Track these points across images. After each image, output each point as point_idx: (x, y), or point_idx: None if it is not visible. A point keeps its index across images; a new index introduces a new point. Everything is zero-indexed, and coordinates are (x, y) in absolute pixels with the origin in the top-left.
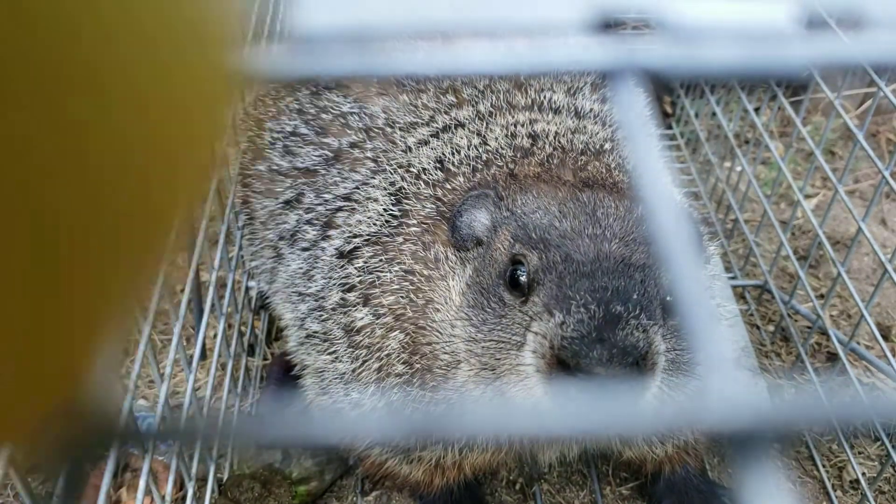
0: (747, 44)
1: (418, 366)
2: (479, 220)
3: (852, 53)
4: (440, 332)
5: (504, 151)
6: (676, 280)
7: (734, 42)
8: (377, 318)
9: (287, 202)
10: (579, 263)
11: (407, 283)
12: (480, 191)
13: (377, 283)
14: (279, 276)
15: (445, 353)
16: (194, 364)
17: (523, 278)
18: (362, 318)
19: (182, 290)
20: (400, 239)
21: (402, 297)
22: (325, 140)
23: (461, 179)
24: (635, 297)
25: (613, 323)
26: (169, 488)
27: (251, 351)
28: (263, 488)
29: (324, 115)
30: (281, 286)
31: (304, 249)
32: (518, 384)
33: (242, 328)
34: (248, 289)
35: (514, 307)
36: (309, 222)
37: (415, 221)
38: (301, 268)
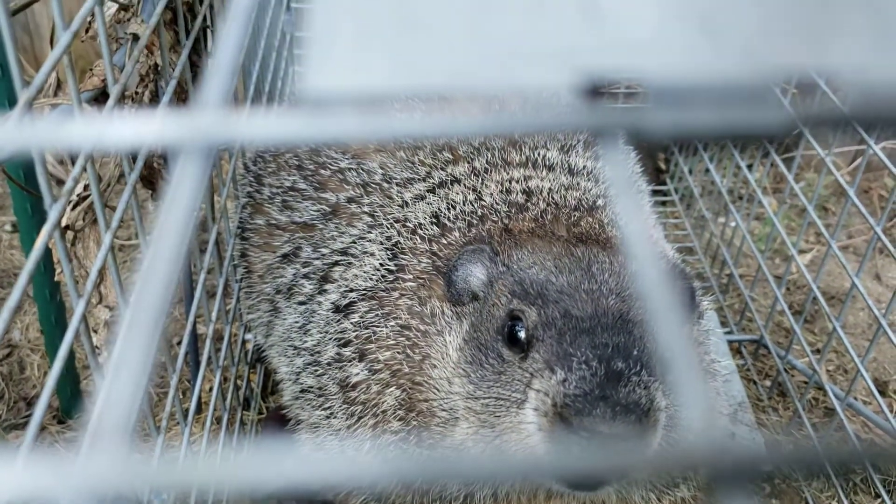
0: (731, 104)
1: (415, 423)
2: (474, 274)
3: (835, 112)
4: (437, 389)
5: (499, 207)
6: (661, 335)
7: (719, 102)
8: (373, 374)
9: (284, 256)
10: (578, 319)
11: (403, 339)
12: (476, 246)
13: (373, 338)
14: (275, 329)
15: (443, 409)
16: (190, 417)
17: (522, 334)
18: (358, 374)
19: (179, 343)
20: (396, 294)
21: (398, 352)
22: (324, 195)
23: (457, 234)
24: (635, 353)
25: (615, 380)
26: None
27: (247, 404)
28: None
29: (322, 171)
30: (277, 340)
31: (301, 303)
32: (520, 442)
33: (238, 381)
34: (244, 342)
35: (513, 363)
36: (306, 276)
37: (411, 276)
38: (297, 322)
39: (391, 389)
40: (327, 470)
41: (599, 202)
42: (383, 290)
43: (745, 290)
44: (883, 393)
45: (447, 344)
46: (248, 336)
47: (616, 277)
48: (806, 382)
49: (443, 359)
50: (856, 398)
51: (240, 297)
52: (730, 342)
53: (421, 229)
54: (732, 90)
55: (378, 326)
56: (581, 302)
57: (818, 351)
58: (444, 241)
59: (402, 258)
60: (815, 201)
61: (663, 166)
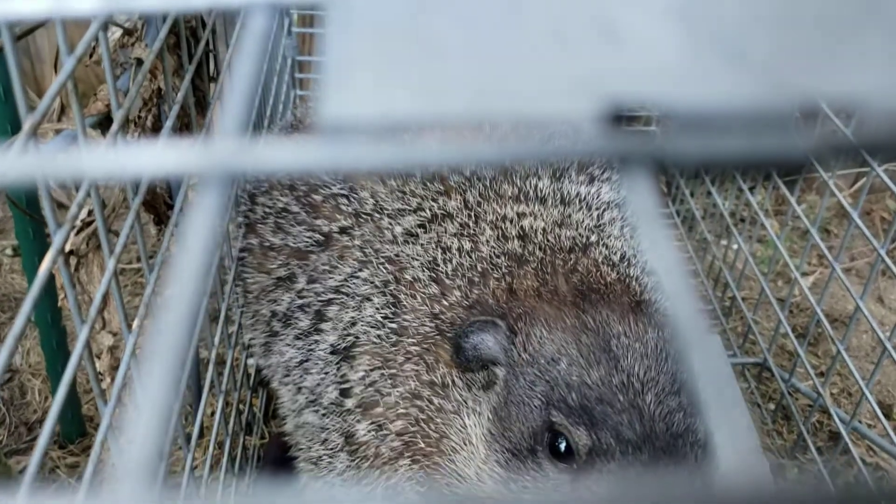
0: (757, 131)
1: None
2: (485, 343)
3: (850, 139)
4: (462, 481)
5: (498, 261)
6: (697, 374)
7: (744, 129)
8: (383, 441)
9: (279, 279)
10: (634, 446)
11: (415, 409)
12: (489, 318)
13: (381, 402)
14: (273, 353)
15: None
16: (192, 442)
17: (571, 452)
18: (365, 434)
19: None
20: (401, 358)
21: (410, 423)
22: (316, 222)
23: (458, 294)
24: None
25: None
26: None
27: (249, 429)
28: None
29: (314, 195)
30: (276, 364)
31: (298, 338)
32: None
33: (241, 406)
34: (246, 366)
35: (562, 482)
36: (301, 308)
37: (414, 340)
38: (295, 358)
39: (405, 461)
40: None
41: (592, 238)
42: (387, 351)
43: (748, 313)
44: (888, 416)
45: (467, 428)
46: (251, 361)
47: (638, 361)
48: (810, 405)
49: (465, 446)
50: (860, 421)
51: (239, 318)
52: (733, 365)
53: (419, 285)
54: (757, 117)
55: (385, 389)
56: (627, 415)
57: (822, 374)
58: (446, 303)
59: (404, 319)
60: (817, 224)
61: (665, 189)
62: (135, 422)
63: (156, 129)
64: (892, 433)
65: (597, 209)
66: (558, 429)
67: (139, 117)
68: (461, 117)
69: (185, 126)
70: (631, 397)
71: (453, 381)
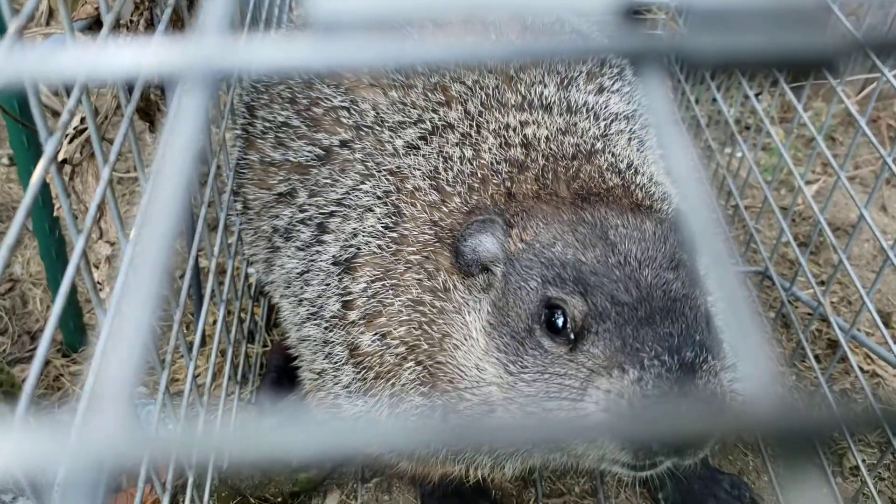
0: (776, 27)
1: (440, 402)
2: (484, 244)
3: (862, 41)
4: (464, 374)
5: (499, 167)
6: (713, 282)
7: (766, 25)
8: (387, 348)
9: (280, 195)
10: (630, 307)
11: (418, 314)
12: (486, 216)
13: (383, 311)
14: (275, 268)
15: (474, 395)
16: (194, 351)
17: (568, 324)
18: (369, 344)
19: (181, 277)
20: (401, 267)
21: (413, 328)
22: (317, 136)
23: (457, 200)
24: (697, 337)
25: (690, 371)
26: (169, 477)
27: (251, 338)
28: (263, 476)
29: (315, 109)
30: (278, 278)
31: (300, 249)
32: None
33: (242, 315)
34: (247, 275)
35: (559, 356)
36: (302, 222)
37: (414, 249)
38: (296, 268)
39: (409, 365)
40: (354, 437)
41: (598, 145)
42: (388, 259)
43: (751, 222)
44: (887, 324)
45: (468, 324)
46: (251, 270)
47: (635, 244)
48: (810, 314)
49: (466, 341)
50: (859, 330)
51: (240, 231)
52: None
53: (419, 194)
54: (776, 12)
55: (387, 299)
56: (622, 283)
57: (823, 282)
58: (446, 210)
59: (404, 227)
60: (823, 131)
61: (670, 95)
62: (115, 342)
63: (149, 34)
64: (890, 341)
65: (604, 119)
66: (554, 302)
67: (131, 21)
68: (463, 11)
69: (178, 30)
70: (627, 272)
71: (454, 286)
